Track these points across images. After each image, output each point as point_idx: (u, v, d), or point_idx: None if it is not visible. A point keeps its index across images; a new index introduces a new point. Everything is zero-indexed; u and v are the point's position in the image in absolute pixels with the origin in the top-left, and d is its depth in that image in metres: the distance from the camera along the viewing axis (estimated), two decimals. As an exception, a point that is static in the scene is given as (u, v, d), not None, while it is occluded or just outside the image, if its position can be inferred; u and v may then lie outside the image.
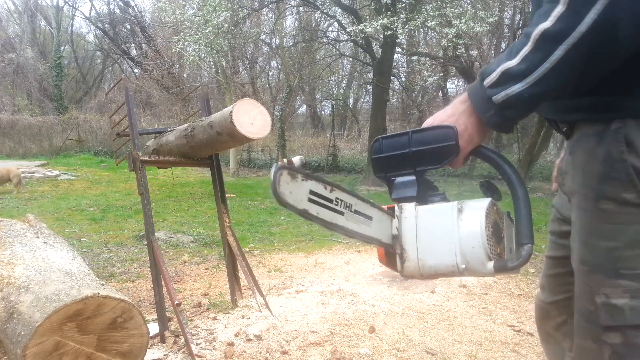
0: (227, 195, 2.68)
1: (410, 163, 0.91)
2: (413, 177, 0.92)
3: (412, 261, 0.89)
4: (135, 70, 24.15)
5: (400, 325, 2.37)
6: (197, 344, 2.08)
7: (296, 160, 13.39)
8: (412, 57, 11.87)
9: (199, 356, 1.96)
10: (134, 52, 23.80)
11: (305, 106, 24.00)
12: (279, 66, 20.33)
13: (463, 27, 7.86)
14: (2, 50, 19.86)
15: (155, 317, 2.26)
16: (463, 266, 0.87)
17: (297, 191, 0.80)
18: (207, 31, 9.48)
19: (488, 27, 8.27)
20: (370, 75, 16.14)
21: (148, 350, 1.79)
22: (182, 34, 10.91)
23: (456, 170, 12.61)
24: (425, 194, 0.92)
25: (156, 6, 14.50)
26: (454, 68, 15.38)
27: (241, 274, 2.59)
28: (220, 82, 15.54)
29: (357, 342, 2.14)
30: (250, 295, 2.61)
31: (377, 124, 10.10)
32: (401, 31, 8.11)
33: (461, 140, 0.88)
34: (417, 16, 7.97)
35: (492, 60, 0.88)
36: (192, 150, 2.34)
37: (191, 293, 2.93)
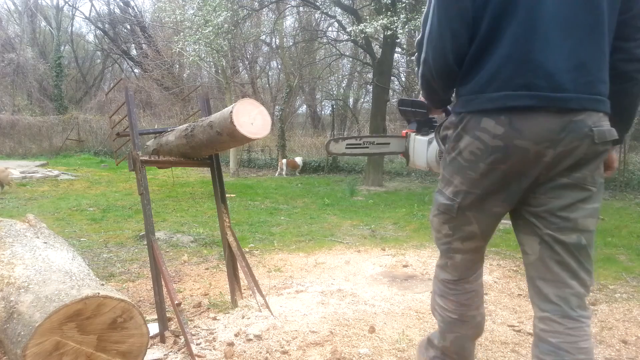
0: (227, 195, 2.68)
1: (413, 113, 1.75)
2: (415, 122, 1.78)
3: (411, 161, 1.81)
4: (135, 70, 24.16)
5: (400, 325, 2.37)
6: (197, 344, 2.08)
7: (299, 160, 13.40)
8: (412, 57, 11.87)
9: (199, 356, 1.96)
10: (134, 52, 23.81)
11: (305, 106, 24.00)
12: (279, 66, 20.34)
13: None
14: (2, 50, 19.86)
15: (155, 317, 2.26)
16: (429, 166, 1.74)
17: (338, 146, 1.91)
18: (207, 31, 9.48)
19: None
20: (370, 75, 16.14)
21: (148, 350, 1.79)
22: (182, 34, 10.91)
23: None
24: (421, 129, 1.77)
25: (156, 6, 14.50)
26: (454, 68, 15.37)
27: (241, 274, 2.59)
28: (220, 82, 15.54)
29: (357, 342, 2.14)
30: (250, 295, 2.61)
31: (377, 124, 10.10)
32: (401, 31, 8.10)
33: (429, 106, 1.67)
34: (417, 16, 7.97)
35: None
36: (192, 150, 2.34)
37: (191, 293, 2.94)
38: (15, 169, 10.53)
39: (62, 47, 22.16)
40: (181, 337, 2.16)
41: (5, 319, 1.59)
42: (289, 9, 14.54)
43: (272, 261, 3.80)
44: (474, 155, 1.31)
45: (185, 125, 2.39)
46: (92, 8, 28.80)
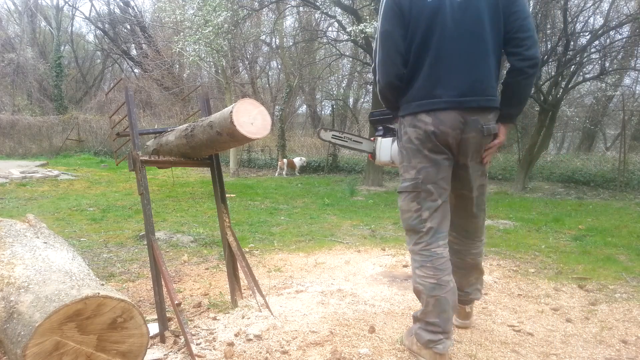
0: (227, 195, 2.68)
1: (380, 121, 2.29)
2: (381, 128, 2.30)
3: (377, 158, 2.30)
4: (135, 70, 24.17)
5: (400, 325, 2.37)
6: (197, 344, 2.08)
7: (297, 160, 13.41)
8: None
9: (199, 356, 1.96)
10: (134, 52, 23.81)
11: (305, 106, 24.02)
12: (279, 66, 20.35)
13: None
14: (2, 50, 19.87)
15: (155, 317, 2.26)
16: (392, 161, 2.24)
17: (326, 134, 2.49)
18: (207, 31, 9.47)
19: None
20: (370, 75, 16.12)
21: (148, 350, 1.79)
22: (182, 34, 10.91)
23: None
24: (386, 135, 2.27)
25: (156, 6, 14.51)
26: (454, 68, 15.37)
27: (241, 274, 2.59)
28: (220, 82, 15.54)
29: (357, 342, 2.14)
30: (250, 295, 2.61)
31: (377, 124, 10.09)
32: (401, 31, 8.10)
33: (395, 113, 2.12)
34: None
35: None
36: (192, 150, 2.34)
37: (191, 293, 2.93)
38: (15, 168, 10.54)
39: (62, 47, 22.17)
40: (181, 337, 2.16)
41: (5, 319, 1.59)
42: (289, 9, 14.53)
43: (272, 261, 3.80)
44: (418, 139, 1.95)
45: (185, 125, 2.39)
46: (92, 8, 28.82)
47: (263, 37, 16.86)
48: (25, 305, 1.56)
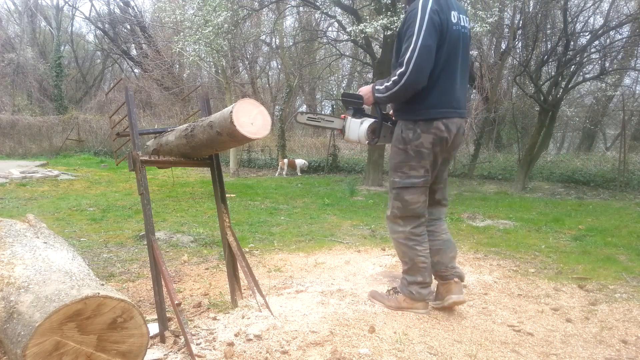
0: (227, 195, 2.68)
1: (352, 103, 2.51)
2: (352, 108, 2.52)
3: (345, 135, 2.56)
4: (135, 70, 24.17)
5: (400, 325, 2.37)
6: (197, 344, 2.08)
7: (299, 162, 13.41)
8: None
9: (199, 356, 1.96)
10: (134, 52, 23.81)
11: (305, 106, 24.00)
12: (279, 66, 20.34)
13: (463, 27, 7.84)
14: (2, 50, 19.86)
15: (155, 317, 2.26)
16: (359, 140, 2.52)
17: (302, 117, 2.76)
18: (207, 31, 9.47)
19: (488, 27, 8.26)
20: (370, 75, 16.14)
21: (148, 350, 1.79)
22: (182, 34, 10.90)
23: (456, 171, 12.61)
24: (356, 115, 2.52)
25: (156, 6, 14.50)
26: (454, 68, 15.36)
27: (241, 274, 2.59)
28: (220, 82, 15.54)
29: (357, 342, 2.14)
30: (250, 295, 2.61)
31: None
32: (401, 31, 8.10)
33: (365, 99, 2.46)
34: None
35: (379, 81, 2.43)
36: (192, 150, 2.34)
37: (191, 293, 2.93)
38: (15, 168, 10.54)
39: (62, 47, 22.16)
40: (181, 337, 2.16)
41: (5, 319, 1.59)
42: (289, 9, 14.53)
43: (272, 261, 3.80)
44: (432, 144, 2.36)
45: (185, 125, 2.38)
46: (92, 8, 28.82)
47: (263, 37, 16.86)
48: (25, 305, 1.56)
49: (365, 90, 2.48)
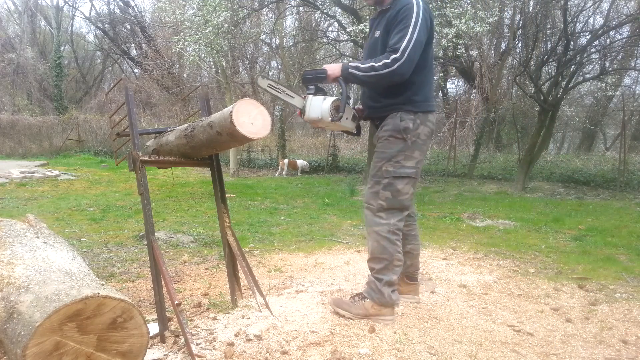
0: (227, 195, 2.68)
1: (313, 80, 2.42)
2: (312, 87, 2.41)
3: (306, 115, 2.38)
4: (135, 70, 24.17)
5: (400, 325, 2.37)
6: (197, 344, 2.08)
7: (300, 163, 13.40)
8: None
9: (199, 356, 1.96)
10: (134, 52, 23.80)
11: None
12: (279, 66, 20.34)
13: (463, 27, 7.85)
14: (2, 50, 19.86)
15: (155, 317, 2.26)
16: (321, 118, 2.34)
17: (263, 82, 2.40)
18: (207, 31, 9.47)
19: (488, 27, 8.26)
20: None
21: (148, 350, 1.79)
22: (182, 34, 10.90)
23: (456, 171, 12.61)
24: (318, 93, 2.40)
25: (156, 6, 14.50)
26: (454, 68, 15.39)
27: (241, 274, 2.59)
28: (220, 82, 15.54)
29: (357, 342, 2.14)
30: (250, 295, 2.61)
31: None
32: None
33: (330, 73, 2.37)
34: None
35: (357, 61, 2.52)
36: (192, 150, 2.34)
37: (191, 293, 2.93)
38: (15, 168, 10.54)
39: (62, 47, 22.15)
40: (181, 337, 2.16)
41: (5, 319, 1.59)
42: (289, 9, 14.53)
43: (272, 261, 3.80)
44: (426, 136, 2.41)
45: (185, 125, 2.38)
46: (92, 8, 28.82)
47: (263, 37, 16.86)
48: (25, 305, 1.56)
49: (332, 66, 2.40)
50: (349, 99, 2.42)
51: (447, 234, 5.14)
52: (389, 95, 2.42)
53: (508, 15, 12.99)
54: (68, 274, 1.78)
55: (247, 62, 19.50)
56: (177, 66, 20.34)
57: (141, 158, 2.29)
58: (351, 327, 2.30)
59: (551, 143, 17.15)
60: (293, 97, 2.42)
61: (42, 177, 9.78)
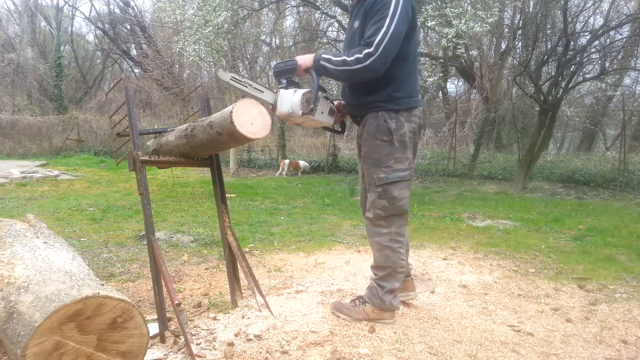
0: (227, 195, 2.68)
1: (283, 73, 2.24)
2: (284, 80, 2.22)
3: (277, 110, 2.19)
4: (135, 70, 24.17)
5: (400, 325, 2.37)
6: (197, 344, 2.08)
7: (302, 163, 13.40)
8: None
9: (199, 356, 1.96)
10: (134, 52, 23.80)
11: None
12: (279, 66, 20.25)
13: (463, 27, 7.85)
14: (2, 50, 19.86)
15: (155, 317, 2.26)
16: (292, 111, 2.15)
17: (225, 75, 2.18)
18: (207, 31, 9.47)
19: (488, 27, 8.25)
20: (370, 75, 16.05)
21: (148, 350, 1.79)
22: (182, 34, 10.91)
23: (456, 171, 12.61)
24: (289, 87, 2.19)
25: (156, 6, 14.50)
26: (454, 68, 15.39)
27: (241, 274, 2.59)
28: (220, 82, 15.52)
29: (357, 342, 2.14)
30: (250, 295, 2.61)
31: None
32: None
33: (300, 64, 2.20)
34: (417, 16, 7.96)
35: (331, 52, 2.49)
36: (192, 150, 2.34)
37: (191, 293, 2.93)
38: (15, 168, 10.54)
39: (62, 47, 22.14)
40: (181, 337, 2.16)
41: (5, 319, 1.59)
42: (289, 9, 14.53)
43: (272, 261, 3.80)
44: (412, 132, 2.28)
45: (185, 125, 2.38)
46: (92, 8, 28.82)
47: (263, 37, 16.85)
48: (25, 305, 1.56)
49: (304, 56, 2.22)
50: (323, 90, 2.23)
51: (447, 234, 5.14)
52: (368, 92, 2.24)
53: (508, 15, 12.98)
54: (68, 274, 1.78)
55: (247, 62, 19.48)
56: (177, 66, 20.34)
57: (141, 158, 2.29)
58: (351, 327, 2.30)
59: (551, 143, 17.15)
60: (262, 92, 2.21)
61: (42, 177, 9.77)
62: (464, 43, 10.25)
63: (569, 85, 10.06)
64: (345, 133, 21.03)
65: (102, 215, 5.85)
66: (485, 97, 13.75)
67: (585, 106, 17.06)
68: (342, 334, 2.22)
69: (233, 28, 10.53)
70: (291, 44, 16.83)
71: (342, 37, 14.96)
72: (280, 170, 13.17)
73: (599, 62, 10.48)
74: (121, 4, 23.43)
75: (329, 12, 11.54)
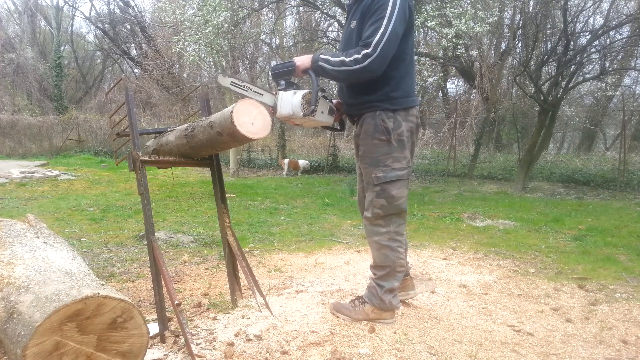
0: (227, 195, 2.68)
1: (282, 75, 2.23)
2: (283, 82, 2.23)
3: (278, 112, 2.20)
4: (135, 70, 24.16)
5: (400, 325, 2.37)
6: (197, 344, 2.08)
7: (302, 163, 13.40)
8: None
9: (199, 356, 1.96)
10: (134, 52, 23.80)
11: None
12: (279, 66, 20.25)
13: (463, 27, 7.85)
14: (2, 50, 19.86)
15: (155, 317, 2.26)
16: (292, 113, 2.16)
17: (225, 80, 2.18)
18: (207, 31, 9.47)
19: (488, 27, 8.25)
20: (370, 75, 16.04)
21: (148, 350, 1.79)
22: (182, 34, 10.90)
23: (456, 171, 12.60)
24: (288, 88, 2.21)
25: (156, 6, 14.50)
26: (453, 68, 15.38)
27: (241, 274, 2.59)
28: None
29: (357, 342, 2.14)
30: (250, 295, 2.61)
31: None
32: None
33: (298, 65, 2.19)
34: (416, 16, 7.96)
35: (329, 53, 2.25)
36: (192, 150, 2.34)
37: (191, 293, 2.93)
38: (15, 168, 10.54)
39: (62, 47, 22.15)
40: (181, 337, 2.16)
41: (5, 319, 1.59)
42: (289, 9, 14.53)
43: (272, 261, 3.80)
44: (409, 132, 2.29)
45: (185, 125, 2.39)
46: (92, 8, 28.82)
47: (263, 37, 16.85)
48: (25, 305, 1.56)
49: (302, 57, 2.22)
50: (323, 91, 2.25)
51: (447, 234, 5.14)
52: (365, 92, 2.26)
53: (508, 15, 12.98)
54: (68, 274, 1.78)
55: (247, 62, 19.48)
56: (177, 66, 20.34)
57: (141, 158, 2.29)
58: (351, 327, 2.30)
59: (551, 143, 17.15)
60: (262, 95, 2.22)
61: (42, 177, 9.77)
62: (464, 43, 10.25)
63: (569, 85, 10.06)
64: (345, 133, 21.06)
65: (102, 215, 5.85)
66: (485, 97, 13.75)
67: (585, 106, 17.06)
68: (342, 334, 2.22)
69: (233, 28, 10.53)
70: (291, 44, 16.84)
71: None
72: (285, 170, 13.13)
73: (599, 62, 10.48)
74: (121, 4, 23.43)
75: (329, 12, 11.54)
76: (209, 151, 2.37)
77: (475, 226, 5.67)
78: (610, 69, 11.47)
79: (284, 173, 12.96)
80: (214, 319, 2.41)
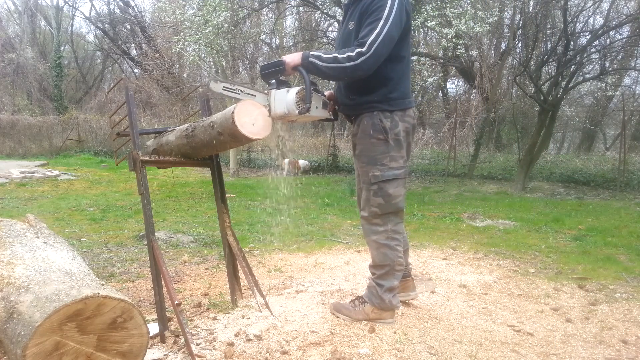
0: (227, 195, 2.68)
1: (272, 74, 2.17)
2: (274, 80, 2.16)
3: (272, 111, 2.11)
4: (135, 70, 24.16)
5: (400, 325, 2.37)
6: (197, 344, 2.08)
7: (302, 163, 13.39)
8: (412, 57, 11.85)
9: (199, 356, 1.96)
10: (134, 52, 23.79)
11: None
12: (279, 66, 20.25)
13: (463, 27, 7.85)
14: (2, 50, 19.86)
15: (155, 317, 2.26)
16: (287, 112, 2.08)
17: (217, 86, 2.14)
18: (207, 31, 9.47)
19: (488, 27, 8.25)
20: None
21: (148, 350, 1.79)
22: (182, 34, 10.90)
23: (456, 171, 12.60)
24: (280, 86, 2.14)
25: (156, 6, 14.50)
26: (453, 68, 15.39)
27: (241, 274, 2.59)
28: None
29: (357, 342, 2.14)
30: (250, 295, 2.61)
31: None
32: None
33: (288, 62, 2.13)
34: (416, 16, 7.96)
35: (321, 50, 2.64)
36: (193, 150, 2.34)
37: (191, 293, 2.94)
38: (15, 168, 10.54)
39: (62, 47, 22.14)
40: (181, 337, 2.16)
41: (5, 319, 1.59)
42: (289, 9, 14.53)
43: (272, 261, 3.80)
44: (406, 132, 2.32)
45: (185, 125, 2.39)
46: (92, 8, 28.83)
47: (263, 37, 16.84)
48: (25, 305, 1.56)
49: (291, 55, 2.19)
50: (315, 85, 2.21)
51: (447, 234, 5.14)
52: (363, 92, 2.28)
53: (508, 15, 12.98)
54: (68, 274, 1.78)
55: (247, 62, 19.48)
56: (177, 66, 20.34)
57: (141, 158, 2.29)
58: (351, 327, 2.30)
59: (551, 143, 17.15)
60: (255, 96, 2.19)
61: (42, 177, 9.77)
62: (464, 43, 10.25)
63: (569, 85, 10.06)
64: (345, 133, 21.06)
65: (102, 215, 5.85)
66: (485, 97, 13.75)
67: (585, 106, 17.07)
68: (342, 334, 2.22)
69: (233, 28, 10.52)
70: (291, 44, 16.84)
71: (342, 37, 14.94)
72: (286, 170, 13.12)
73: (599, 62, 10.47)
74: (121, 4, 23.43)
75: (329, 12, 11.53)
76: (209, 151, 2.37)
77: (475, 226, 5.67)
78: (610, 69, 11.46)
79: (284, 173, 12.96)
80: (214, 319, 2.41)
